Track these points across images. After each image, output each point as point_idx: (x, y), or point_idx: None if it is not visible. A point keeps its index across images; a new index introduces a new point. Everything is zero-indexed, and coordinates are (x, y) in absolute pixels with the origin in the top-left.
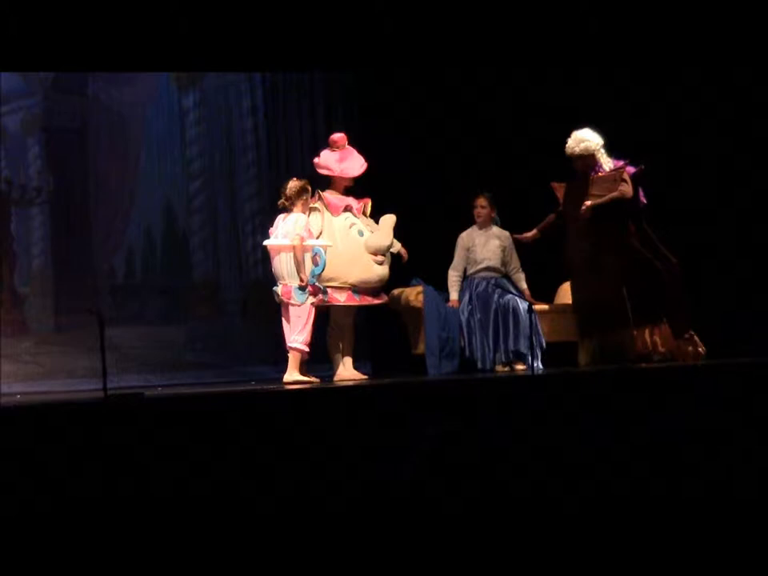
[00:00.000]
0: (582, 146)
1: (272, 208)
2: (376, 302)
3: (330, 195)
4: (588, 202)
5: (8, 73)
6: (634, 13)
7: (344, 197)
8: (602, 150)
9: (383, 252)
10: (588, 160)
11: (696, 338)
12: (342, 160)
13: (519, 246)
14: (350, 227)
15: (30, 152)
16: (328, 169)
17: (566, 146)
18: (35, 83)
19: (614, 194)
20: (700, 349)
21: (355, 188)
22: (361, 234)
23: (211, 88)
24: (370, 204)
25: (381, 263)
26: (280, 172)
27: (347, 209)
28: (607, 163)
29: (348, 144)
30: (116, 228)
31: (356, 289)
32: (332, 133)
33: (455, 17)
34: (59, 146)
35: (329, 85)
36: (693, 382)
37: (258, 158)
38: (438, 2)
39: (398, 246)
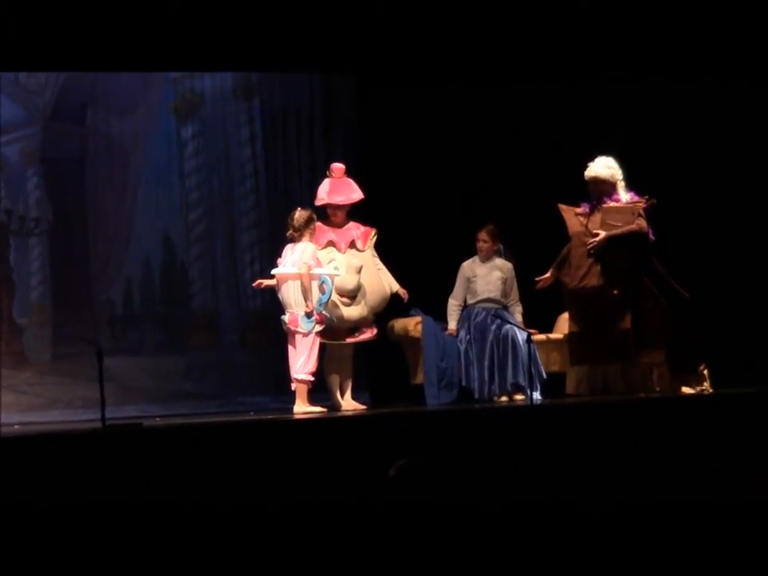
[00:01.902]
0: (609, 172)
1: (271, 238)
2: (349, 340)
3: (318, 227)
4: (602, 233)
5: (9, 102)
6: (641, 39)
7: (329, 230)
8: (622, 182)
9: (347, 295)
10: (608, 187)
11: (706, 374)
12: (332, 190)
13: (524, 275)
14: (329, 263)
15: (30, 182)
16: (318, 198)
17: (591, 167)
18: (35, 113)
19: (632, 227)
20: (705, 384)
21: (358, 218)
22: (337, 269)
23: (210, 118)
24: (373, 234)
25: (348, 305)
26: (279, 202)
27: (330, 243)
28: (624, 195)
29: (347, 175)
30: (115, 258)
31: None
32: (331, 163)
33: (457, 38)
34: (58, 176)
35: (328, 115)
36: (692, 413)
37: (257, 187)
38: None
39: (394, 286)
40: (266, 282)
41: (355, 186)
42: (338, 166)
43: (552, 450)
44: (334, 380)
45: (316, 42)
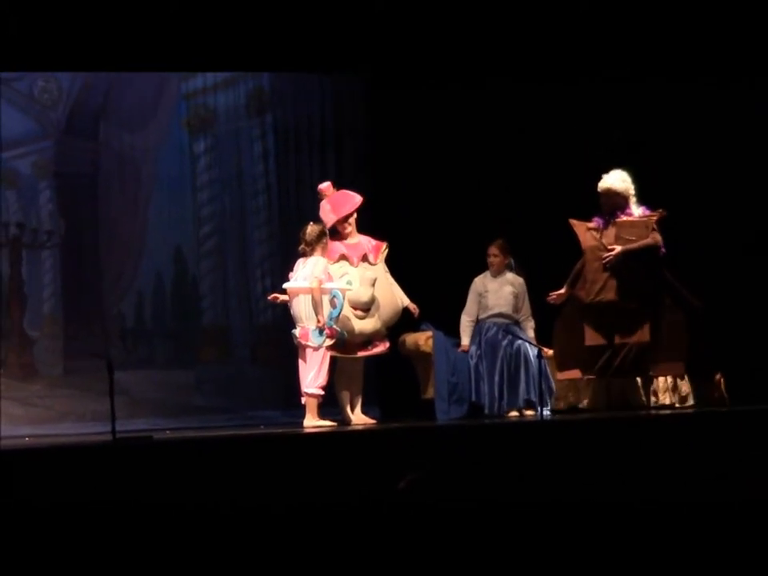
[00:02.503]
0: (624, 185)
1: (282, 252)
2: (361, 354)
3: (330, 243)
4: (618, 247)
5: (22, 116)
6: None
7: (341, 244)
8: (634, 196)
9: (361, 308)
10: (621, 200)
11: (723, 383)
12: (335, 206)
13: (535, 290)
14: (341, 276)
15: (42, 195)
16: (326, 221)
17: (606, 179)
18: (48, 127)
19: (648, 240)
20: (725, 395)
21: (369, 231)
22: (350, 284)
23: (222, 133)
24: (385, 248)
25: (361, 318)
26: (291, 217)
27: (343, 257)
28: (636, 210)
29: (342, 187)
30: (126, 272)
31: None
32: (342, 176)
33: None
34: (71, 190)
35: (340, 130)
36: (710, 428)
37: (269, 202)
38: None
39: (405, 301)
40: (281, 297)
41: (352, 193)
42: (325, 185)
43: (563, 466)
44: (345, 394)
45: (325, 44)
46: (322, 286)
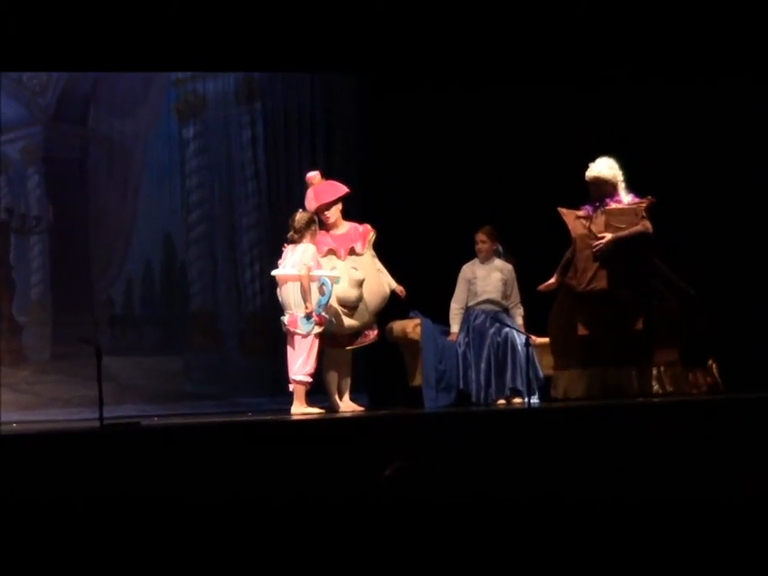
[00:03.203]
0: (611, 172)
1: (270, 239)
2: (350, 347)
3: (319, 236)
4: (608, 235)
5: (11, 101)
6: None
7: (328, 236)
8: (623, 183)
9: (349, 306)
10: (609, 188)
11: (715, 368)
12: (317, 194)
13: (524, 277)
14: (330, 270)
15: (30, 181)
16: (310, 208)
17: (593, 168)
18: (37, 112)
19: (638, 228)
20: (719, 380)
21: (357, 220)
22: (337, 281)
23: (212, 119)
24: (372, 235)
25: (349, 316)
26: (279, 204)
27: (330, 252)
28: (625, 197)
29: (330, 177)
30: (115, 258)
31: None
32: (331, 165)
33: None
34: (59, 175)
35: (329, 117)
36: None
37: (258, 189)
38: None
39: (393, 284)
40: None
41: (338, 184)
42: (313, 174)
43: (550, 454)
44: (333, 381)
45: (317, 42)
46: (311, 273)
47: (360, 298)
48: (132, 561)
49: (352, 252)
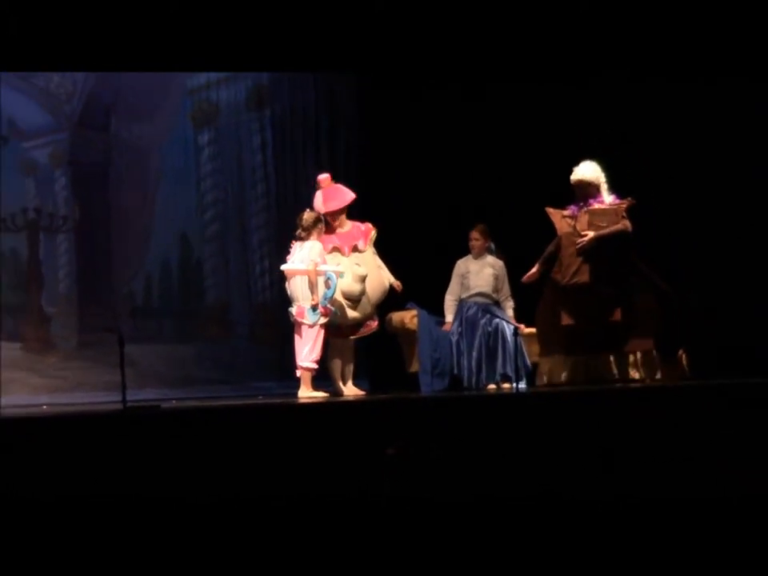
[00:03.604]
0: (594, 175)
1: (279, 237)
2: (353, 336)
3: (324, 234)
4: (590, 233)
5: (39, 109)
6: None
7: (333, 235)
8: (605, 185)
9: (353, 299)
10: (593, 189)
11: (684, 358)
12: (326, 199)
13: (515, 273)
14: (335, 266)
15: (58, 183)
16: (318, 210)
17: (577, 171)
18: (63, 120)
19: (618, 226)
20: (687, 371)
21: (359, 219)
22: (342, 276)
23: (224, 126)
24: (373, 233)
25: (352, 308)
26: (287, 204)
27: (335, 249)
28: (607, 197)
29: (341, 181)
30: (135, 254)
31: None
32: (335, 166)
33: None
34: (84, 177)
35: (332, 124)
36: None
37: (267, 191)
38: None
39: (391, 279)
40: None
41: (345, 189)
42: (323, 177)
43: (537, 436)
44: (337, 368)
45: (319, 42)
46: (318, 269)
47: (363, 292)
48: (152, 529)
49: (355, 249)
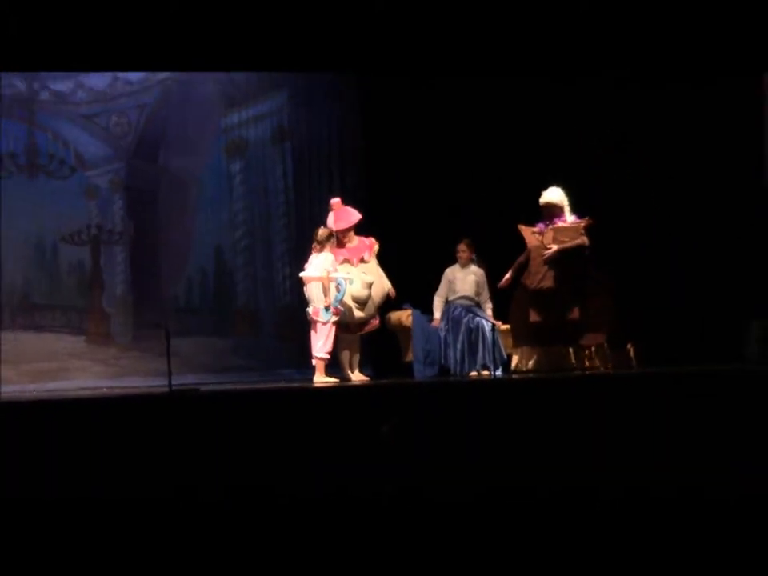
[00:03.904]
0: (560, 198)
1: (297, 250)
2: (361, 331)
3: (336, 248)
4: (554, 246)
5: (101, 143)
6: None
7: (344, 249)
8: (568, 207)
9: (360, 302)
10: (558, 210)
11: (632, 350)
12: (336, 219)
13: (494, 279)
14: (345, 274)
15: (116, 205)
16: (330, 227)
17: (545, 195)
18: (120, 153)
19: (578, 241)
20: (634, 361)
21: (366, 234)
22: (351, 282)
23: (252, 157)
24: (376, 246)
25: (360, 309)
26: (304, 222)
27: (345, 261)
28: (569, 217)
29: (348, 202)
30: (179, 263)
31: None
32: (344, 190)
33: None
34: (137, 200)
35: (342, 155)
36: (628, 386)
37: (287, 211)
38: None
39: (388, 286)
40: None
41: (353, 211)
42: (335, 200)
43: (511, 413)
44: (345, 359)
45: (321, 45)
46: (330, 276)
47: (369, 296)
48: (199, 489)
49: (362, 260)
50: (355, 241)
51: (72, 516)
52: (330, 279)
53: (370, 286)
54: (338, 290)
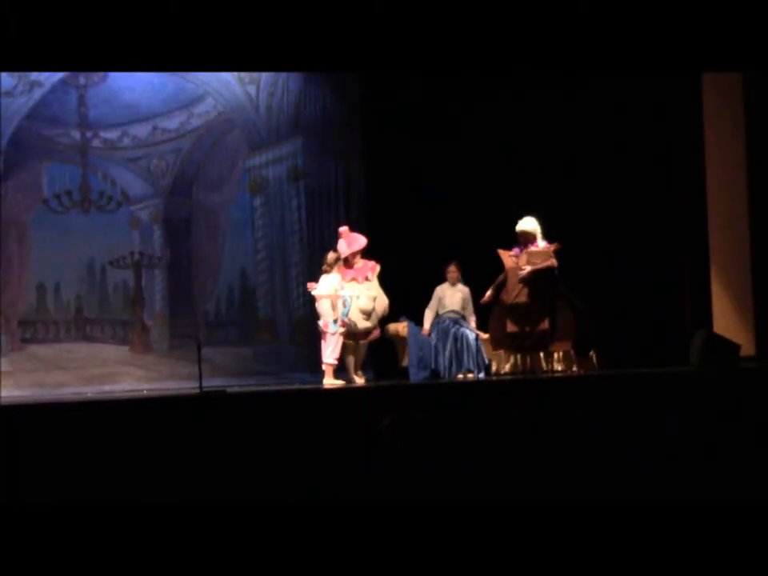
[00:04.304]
0: (533, 227)
1: (310, 271)
2: (364, 340)
3: (343, 269)
4: (528, 267)
5: (142, 182)
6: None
7: (351, 270)
8: (540, 234)
9: (365, 313)
10: (531, 237)
11: (595, 357)
12: (349, 244)
13: (477, 296)
14: (353, 290)
15: (155, 234)
16: (341, 253)
17: (520, 224)
18: (159, 190)
19: (548, 263)
20: (596, 365)
21: (369, 258)
22: (358, 298)
23: (271, 193)
24: (378, 268)
25: (365, 320)
26: (315, 248)
27: (353, 279)
28: (541, 243)
29: (354, 230)
30: (209, 284)
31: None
32: (350, 220)
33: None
34: (174, 230)
35: (346, 191)
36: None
37: (301, 238)
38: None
39: (386, 302)
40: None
41: (360, 237)
42: (344, 228)
43: (493, 409)
44: (351, 363)
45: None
46: (338, 293)
47: (374, 308)
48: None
49: (366, 279)
50: (360, 263)
51: (114, 512)
52: (337, 297)
53: (374, 299)
54: (345, 306)
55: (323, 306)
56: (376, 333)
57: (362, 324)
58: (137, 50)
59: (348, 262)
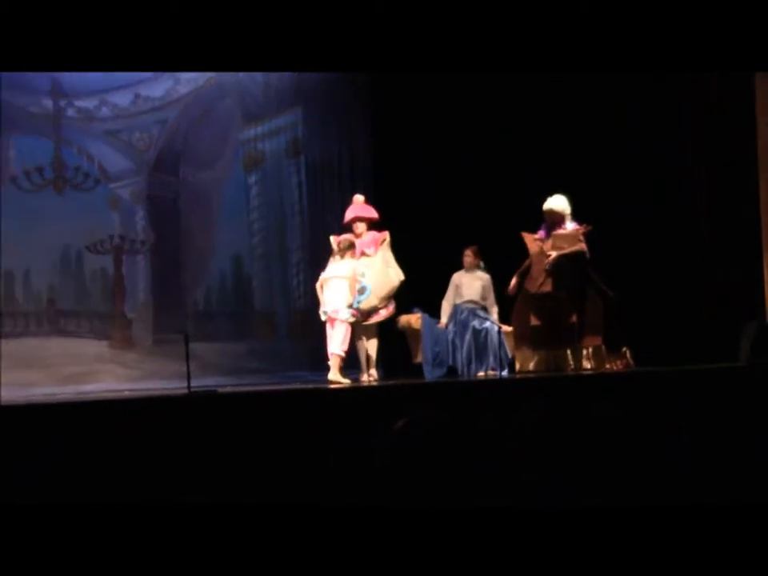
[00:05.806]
0: (562, 207)
1: (311, 257)
2: (365, 323)
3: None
4: (554, 252)
5: (123, 158)
6: None
7: (359, 242)
8: (570, 215)
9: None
10: (559, 218)
11: (629, 353)
12: (355, 211)
13: (500, 284)
14: (362, 275)
15: (137, 215)
16: (346, 217)
17: (549, 202)
18: (142, 166)
19: (576, 248)
20: (631, 362)
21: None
22: (363, 275)
23: (268, 169)
24: (383, 239)
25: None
26: (317, 230)
27: (362, 254)
28: (570, 224)
29: (366, 202)
30: (198, 271)
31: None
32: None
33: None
34: (158, 211)
35: (352, 167)
36: (620, 385)
37: (301, 220)
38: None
39: (401, 276)
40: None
41: (372, 209)
42: (358, 196)
43: (517, 410)
44: (362, 347)
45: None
46: (357, 278)
47: (364, 287)
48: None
49: (363, 254)
50: (369, 235)
51: (94, 516)
52: (355, 281)
53: (362, 275)
54: (361, 293)
55: (339, 290)
56: (382, 314)
57: (364, 305)
58: (137, 50)
59: (354, 233)
